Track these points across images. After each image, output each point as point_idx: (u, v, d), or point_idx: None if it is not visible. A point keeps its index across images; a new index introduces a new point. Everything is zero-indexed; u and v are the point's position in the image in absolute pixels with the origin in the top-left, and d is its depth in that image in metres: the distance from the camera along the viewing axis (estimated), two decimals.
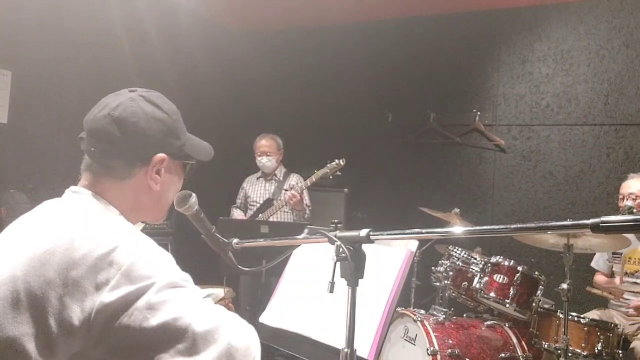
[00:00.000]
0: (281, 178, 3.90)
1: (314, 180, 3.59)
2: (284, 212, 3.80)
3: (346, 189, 4.52)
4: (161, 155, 1.06)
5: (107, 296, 0.84)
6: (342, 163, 3.53)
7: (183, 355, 0.84)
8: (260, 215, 3.79)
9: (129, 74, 3.91)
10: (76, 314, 0.84)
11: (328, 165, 3.55)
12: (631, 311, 2.93)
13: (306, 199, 3.78)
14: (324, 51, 4.97)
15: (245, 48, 5.17)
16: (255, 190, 3.94)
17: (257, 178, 3.98)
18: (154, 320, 0.84)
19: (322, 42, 5.00)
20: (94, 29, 3.77)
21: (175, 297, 0.88)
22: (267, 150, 3.83)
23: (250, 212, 3.90)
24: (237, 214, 4.00)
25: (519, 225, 0.95)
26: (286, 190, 3.73)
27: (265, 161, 3.83)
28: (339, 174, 3.60)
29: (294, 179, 3.88)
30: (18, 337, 0.85)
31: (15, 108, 3.34)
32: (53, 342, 0.84)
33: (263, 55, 5.19)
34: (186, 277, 0.94)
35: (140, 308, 0.84)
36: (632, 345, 2.73)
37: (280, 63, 5.14)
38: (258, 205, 3.86)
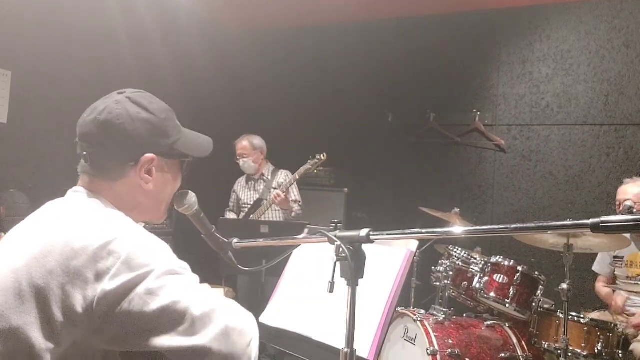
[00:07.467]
0: (269, 177, 3.86)
1: (297, 177, 3.58)
2: (275, 210, 3.76)
3: (346, 189, 4.50)
4: (149, 155, 1.08)
5: (108, 284, 0.88)
6: (323, 157, 3.52)
7: (182, 336, 0.90)
8: (251, 216, 3.77)
9: (129, 73, 3.91)
10: (79, 302, 0.88)
11: (310, 161, 3.55)
12: (633, 320, 2.90)
13: (295, 195, 3.75)
14: (324, 50, 4.97)
15: (244, 47, 5.18)
16: (245, 192, 3.93)
17: (246, 180, 3.96)
18: (154, 305, 0.89)
19: (321, 42, 4.99)
20: (94, 29, 3.77)
21: (173, 282, 0.93)
22: (242, 153, 3.79)
23: (242, 214, 3.89)
24: (231, 218, 3.97)
25: (519, 225, 0.96)
26: (274, 188, 3.71)
27: (242, 163, 3.81)
28: (322, 168, 3.72)
29: (282, 177, 3.83)
30: (22, 326, 0.88)
31: (15, 108, 3.34)
32: (58, 330, 0.88)
33: (262, 54, 5.19)
34: (183, 265, 0.99)
35: (140, 294, 0.89)
36: (631, 347, 2.72)
37: (280, 62, 5.13)
38: (249, 206, 3.84)
